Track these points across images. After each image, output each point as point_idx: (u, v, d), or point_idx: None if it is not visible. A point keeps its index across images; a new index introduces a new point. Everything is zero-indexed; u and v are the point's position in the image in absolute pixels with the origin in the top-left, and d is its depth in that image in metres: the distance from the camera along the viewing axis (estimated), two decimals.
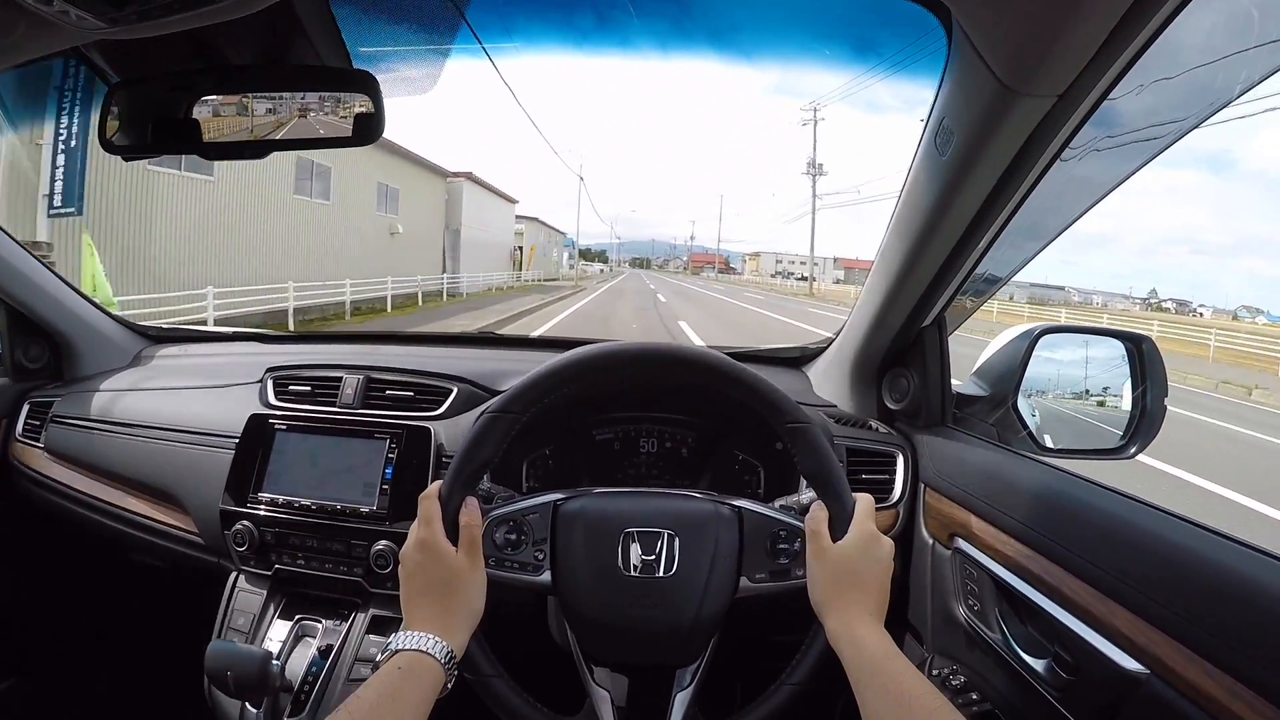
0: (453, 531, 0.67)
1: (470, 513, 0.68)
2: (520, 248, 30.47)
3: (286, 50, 0.70)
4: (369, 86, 0.71)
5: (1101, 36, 0.57)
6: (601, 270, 75.30)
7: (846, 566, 0.67)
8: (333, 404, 1.12)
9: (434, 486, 0.70)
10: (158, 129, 0.73)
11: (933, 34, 0.68)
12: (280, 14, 0.61)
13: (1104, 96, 0.64)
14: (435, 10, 0.87)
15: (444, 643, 0.62)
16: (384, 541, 0.98)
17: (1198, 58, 0.66)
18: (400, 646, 0.61)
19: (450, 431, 1.06)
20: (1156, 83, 0.67)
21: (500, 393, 0.75)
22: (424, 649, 0.61)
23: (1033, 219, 0.83)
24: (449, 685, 0.62)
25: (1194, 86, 0.67)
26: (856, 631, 0.63)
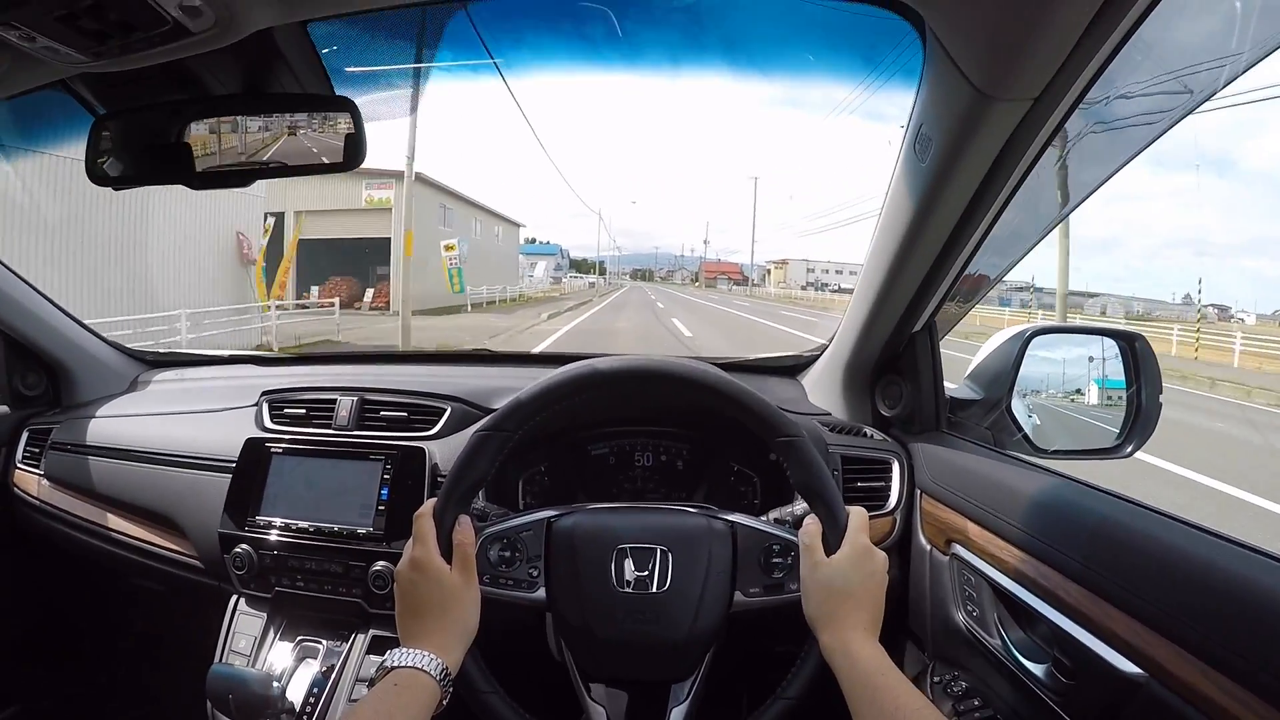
0: (447, 549, 0.67)
1: (464, 530, 0.69)
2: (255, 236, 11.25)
3: (268, 79, 0.71)
4: (349, 111, 0.72)
5: (1073, 39, 0.57)
6: (592, 284, 52.25)
7: (840, 581, 0.66)
8: (328, 426, 1.13)
9: (428, 505, 0.70)
10: (145, 160, 0.74)
11: (909, 42, 0.68)
12: (260, 44, 0.62)
13: (1080, 98, 0.64)
14: (418, 29, 0.88)
15: (439, 660, 0.62)
16: (382, 562, 0.98)
17: (1175, 55, 0.66)
18: (395, 664, 0.61)
19: (445, 451, 1.06)
20: (1135, 82, 0.67)
21: (493, 411, 0.75)
22: (419, 666, 0.61)
23: (1018, 221, 0.84)
24: (444, 702, 0.62)
25: (1173, 83, 0.68)
26: (850, 646, 0.63)
